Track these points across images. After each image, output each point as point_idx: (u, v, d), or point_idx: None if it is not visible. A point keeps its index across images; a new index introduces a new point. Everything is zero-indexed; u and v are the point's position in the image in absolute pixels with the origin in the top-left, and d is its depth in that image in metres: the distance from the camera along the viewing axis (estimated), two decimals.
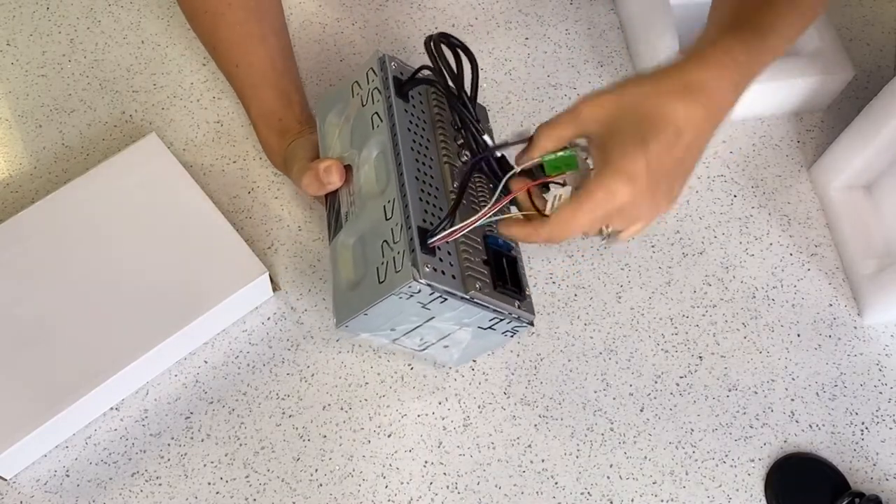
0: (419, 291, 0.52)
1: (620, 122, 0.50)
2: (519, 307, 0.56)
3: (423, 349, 0.61)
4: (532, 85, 0.80)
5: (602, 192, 0.49)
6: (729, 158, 0.79)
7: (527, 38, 0.83)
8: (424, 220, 0.54)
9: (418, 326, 0.57)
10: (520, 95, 0.80)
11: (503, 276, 0.56)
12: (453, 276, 0.53)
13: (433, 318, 0.56)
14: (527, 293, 0.57)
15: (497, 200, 0.54)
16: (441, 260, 0.53)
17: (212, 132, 0.75)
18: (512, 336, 0.58)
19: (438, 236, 0.52)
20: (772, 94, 0.78)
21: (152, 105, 0.76)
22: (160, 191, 0.67)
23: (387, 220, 0.55)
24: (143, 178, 0.67)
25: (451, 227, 0.52)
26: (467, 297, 0.53)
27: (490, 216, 0.54)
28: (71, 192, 0.66)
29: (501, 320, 0.56)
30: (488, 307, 0.55)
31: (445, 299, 0.53)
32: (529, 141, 0.54)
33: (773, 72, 0.76)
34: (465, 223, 0.52)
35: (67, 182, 0.67)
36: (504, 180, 0.55)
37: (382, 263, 0.54)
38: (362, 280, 0.56)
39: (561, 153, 0.53)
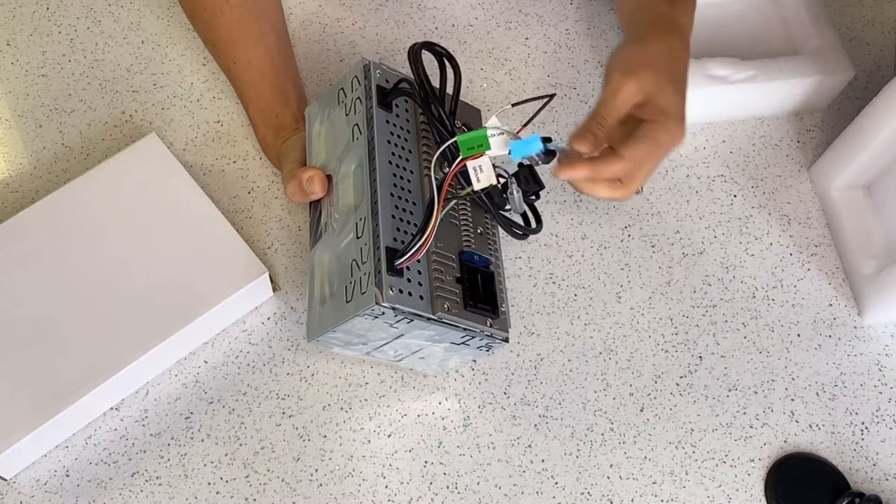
0: (383, 314, 0.52)
1: (663, 78, 0.58)
2: (491, 325, 0.55)
3: (399, 360, 0.61)
4: (532, 85, 0.80)
5: (669, 137, 0.57)
6: (729, 158, 0.79)
7: (527, 38, 0.83)
8: (396, 239, 0.53)
9: (389, 342, 0.57)
10: (519, 95, 0.80)
11: (476, 294, 0.55)
12: (421, 297, 0.53)
13: (402, 335, 0.56)
14: (502, 310, 0.56)
15: (440, 196, 0.53)
16: (409, 280, 0.52)
17: (212, 132, 0.75)
18: (487, 351, 0.58)
19: (405, 257, 0.52)
20: (772, 94, 0.78)
21: (152, 105, 0.76)
22: (160, 191, 0.67)
23: (357, 238, 0.54)
24: (143, 178, 0.67)
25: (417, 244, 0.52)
26: (434, 317, 0.53)
27: (455, 224, 0.54)
28: (71, 192, 0.66)
29: (473, 337, 0.56)
30: (458, 326, 0.54)
31: (412, 320, 0.53)
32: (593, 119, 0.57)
33: (774, 72, 0.76)
34: (424, 237, 0.52)
35: (67, 182, 0.67)
36: (453, 170, 0.54)
37: (351, 282, 0.54)
38: (333, 297, 0.56)
39: (473, 133, 0.54)
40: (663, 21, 0.62)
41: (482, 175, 0.54)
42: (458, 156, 0.54)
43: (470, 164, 0.53)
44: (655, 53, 0.59)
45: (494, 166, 0.55)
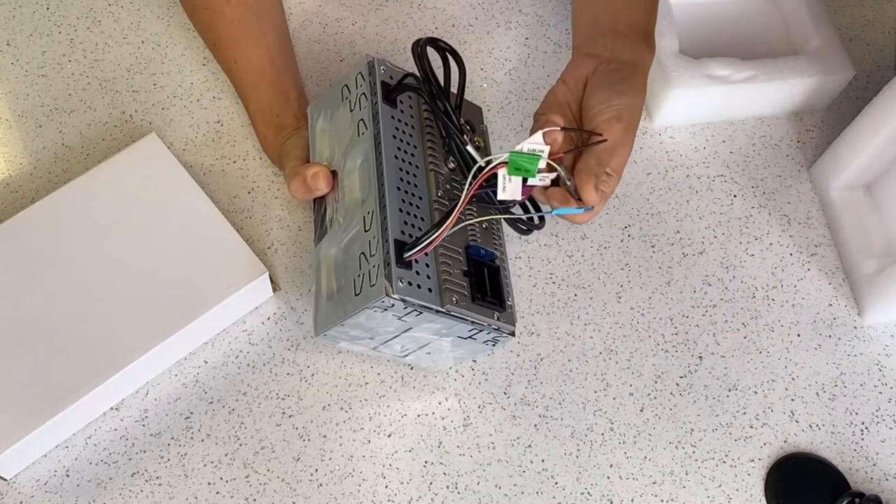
0: (392, 306, 0.52)
1: (634, 135, 0.59)
2: (499, 318, 0.55)
3: (405, 356, 0.61)
4: (532, 85, 0.80)
5: (627, 150, 0.58)
6: (729, 158, 0.79)
7: (527, 38, 0.83)
8: (403, 232, 0.53)
9: (397, 336, 0.57)
10: (520, 95, 0.80)
11: (483, 288, 0.55)
12: (429, 290, 0.53)
13: (410, 329, 0.56)
14: (508, 304, 0.56)
15: (464, 199, 0.52)
16: (418, 273, 0.53)
17: (212, 132, 0.75)
18: (494, 345, 0.58)
19: (415, 250, 0.52)
20: (772, 94, 0.78)
21: (152, 105, 0.76)
22: (160, 191, 0.67)
23: (365, 231, 0.54)
24: (143, 178, 0.67)
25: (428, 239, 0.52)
26: (443, 310, 0.53)
27: (461, 219, 0.53)
28: (71, 192, 0.66)
29: (481, 331, 0.56)
30: (466, 319, 0.54)
31: (420, 312, 0.53)
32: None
33: (774, 72, 0.76)
34: (438, 232, 0.51)
35: (67, 182, 0.67)
36: (471, 174, 0.53)
37: (359, 276, 0.54)
38: (340, 291, 0.56)
39: (528, 155, 0.52)
40: (642, 70, 0.62)
41: (509, 185, 0.53)
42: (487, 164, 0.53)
43: (501, 171, 0.52)
44: (640, 109, 0.59)
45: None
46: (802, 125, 0.81)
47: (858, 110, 0.72)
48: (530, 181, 0.53)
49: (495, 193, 0.53)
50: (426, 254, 0.53)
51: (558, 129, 0.54)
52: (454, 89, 0.58)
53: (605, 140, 0.56)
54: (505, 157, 0.52)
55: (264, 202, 0.72)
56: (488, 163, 0.53)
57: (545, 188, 0.55)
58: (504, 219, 0.59)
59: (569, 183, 0.54)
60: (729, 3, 0.84)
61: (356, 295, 0.53)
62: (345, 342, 0.59)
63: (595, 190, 0.54)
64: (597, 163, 0.55)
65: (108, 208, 0.66)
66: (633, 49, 0.63)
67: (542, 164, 0.52)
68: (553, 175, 0.54)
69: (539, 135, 0.53)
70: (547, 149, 0.52)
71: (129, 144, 0.69)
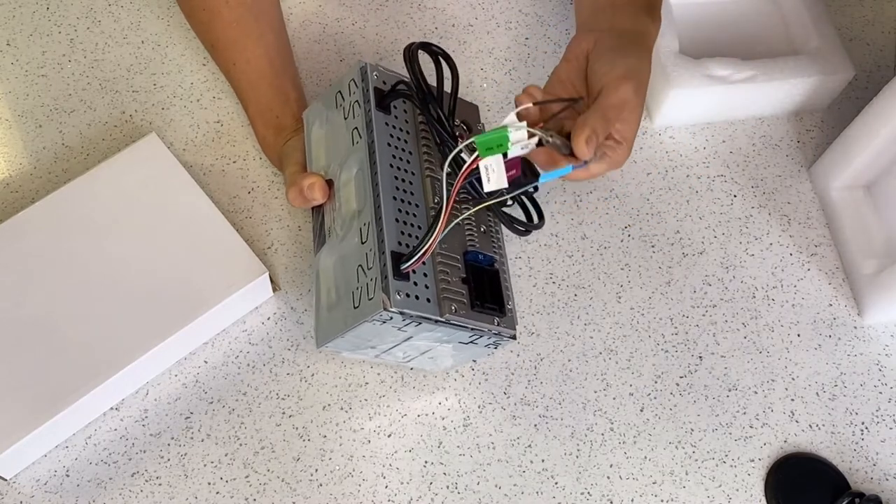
0: (391, 318, 0.52)
1: (643, 108, 0.57)
2: (499, 323, 0.55)
3: (408, 361, 0.61)
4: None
5: (620, 161, 0.55)
6: (729, 158, 0.79)
7: (527, 38, 0.83)
8: (400, 243, 0.53)
9: (398, 345, 0.57)
10: None
11: (482, 294, 0.55)
12: (428, 300, 0.53)
13: (411, 338, 0.56)
14: (508, 307, 0.56)
15: (450, 199, 0.51)
16: (415, 284, 0.52)
17: (212, 132, 0.75)
18: (495, 348, 0.58)
19: (412, 261, 0.51)
20: (772, 94, 0.78)
21: (152, 105, 0.76)
22: (160, 191, 0.67)
23: (362, 243, 0.54)
24: (143, 178, 0.67)
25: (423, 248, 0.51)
26: (442, 320, 0.53)
27: (454, 216, 0.52)
28: (71, 192, 0.66)
29: (481, 337, 0.56)
30: (465, 327, 0.54)
31: (420, 323, 0.53)
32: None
33: (774, 72, 0.76)
34: (432, 239, 0.51)
35: (67, 182, 0.67)
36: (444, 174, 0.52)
37: (357, 288, 0.54)
38: (339, 303, 0.56)
39: (493, 132, 0.50)
40: (645, 40, 0.60)
41: (493, 175, 0.50)
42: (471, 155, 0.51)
43: (482, 163, 0.50)
44: (647, 78, 0.57)
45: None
46: (802, 125, 0.81)
47: (858, 110, 0.72)
48: (511, 154, 0.50)
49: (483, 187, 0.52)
50: (423, 263, 0.53)
51: (530, 105, 0.53)
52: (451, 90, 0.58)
53: (581, 98, 0.54)
54: (469, 141, 0.50)
55: (264, 202, 0.72)
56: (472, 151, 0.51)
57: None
58: (502, 221, 0.58)
59: (550, 140, 0.51)
60: (729, 3, 0.84)
61: (355, 308, 0.53)
62: (347, 352, 0.59)
63: (586, 143, 0.50)
64: (599, 117, 0.52)
65: (108, 208, 0.66)
66: (633, 19, 0.61)
67: (519, 135, 0.50)
68: (534, 140, 0.51)
69: (512, 115, 0.51)
70: (523, 124, 0.50)
71: (129, 144, 0.69)
